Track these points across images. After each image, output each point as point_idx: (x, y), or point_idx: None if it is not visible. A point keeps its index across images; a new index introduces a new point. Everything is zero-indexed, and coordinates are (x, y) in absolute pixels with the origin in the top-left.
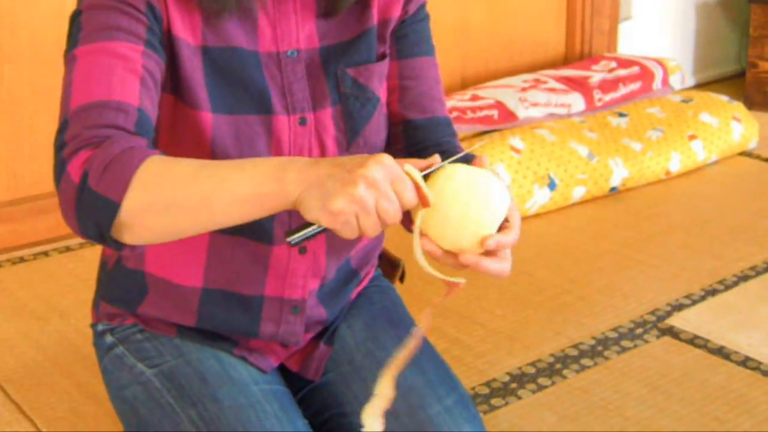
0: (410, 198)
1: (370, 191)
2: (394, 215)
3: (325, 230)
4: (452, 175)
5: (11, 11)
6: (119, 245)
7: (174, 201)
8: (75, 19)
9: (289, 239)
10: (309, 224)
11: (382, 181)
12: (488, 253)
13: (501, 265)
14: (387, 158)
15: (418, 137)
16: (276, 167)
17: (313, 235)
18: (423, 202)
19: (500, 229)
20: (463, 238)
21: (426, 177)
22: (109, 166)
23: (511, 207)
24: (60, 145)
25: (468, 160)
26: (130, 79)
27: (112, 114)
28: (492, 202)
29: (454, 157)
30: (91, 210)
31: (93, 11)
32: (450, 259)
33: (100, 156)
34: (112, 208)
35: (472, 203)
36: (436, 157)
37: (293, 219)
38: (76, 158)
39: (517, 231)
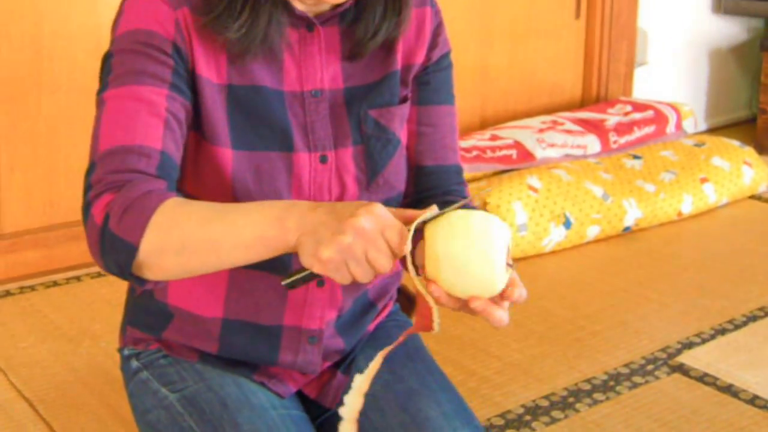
0: (400, 246)
1: (358, 240)
2: (385, 263)
3: (317, 276)
4: (458, 221)
5: (50, 45)
6: (141, 281)
7: (186, 244)
8: (106, 61)
9: (284, 282)
10: (305, 269)
11: (371, 231)
12: (493, 300)
13: (504, 314)
14: (378, 207)
15: (429, 183)
16: (279, 212)
17: (308, 280)
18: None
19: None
20: (473, 285)
21: (426, 223)
22: (127, 210)
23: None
24: (86, 188)
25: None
26: (153, 123)
27: (135, 158)
28: (495, 244)
29: (455, 206)
30: (112, 251)
31: (122, 55)
32: (455, 303)
33: (120, 200)
34: (130, 249)
35: (476, 248)
36: (434, 207)
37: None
38: (99, 201)
39: (521, 286)
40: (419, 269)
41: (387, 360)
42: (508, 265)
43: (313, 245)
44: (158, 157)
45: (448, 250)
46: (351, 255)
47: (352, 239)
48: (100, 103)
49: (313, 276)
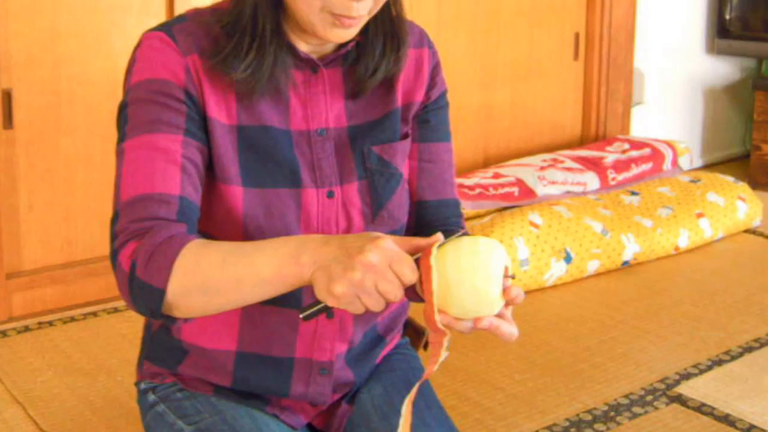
0: (409, 277)
1: (368, 275)
2: (395, 293)
3: (331, 308)
4: (462, 249)
5: (68, 88)
6: (172, 320)
7: (209, 285)
8: (122, 111)
9: (301, 315)
10: (320, 302)
11: (379, 264)
12: (498, 316)
13: (512, 328)
14: (385, 242)
15: (429, 216)
16: (294, 249)
17: (323, 311)
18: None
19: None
20: (481, 304)
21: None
22: (152, 257)
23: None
24: (112, 237)
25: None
26: (170, 170)
27: (155, 206)
28: (497, 265)
29: (456, 235)
30: (142, 296)
31: (137, 105)
32: (463, 325)
33: (144, 247)
34: (158, 293)
35: (481, 270)
36: (439, 235)
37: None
38: (125, 249)
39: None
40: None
41: (388, 391)
42: (508, 278)
43: (326, 281)
44: (177, 203)
45: (459, 275)
46: (362, 289)
47: (362, 275)
48: (120, 153)
49: (328, 308)
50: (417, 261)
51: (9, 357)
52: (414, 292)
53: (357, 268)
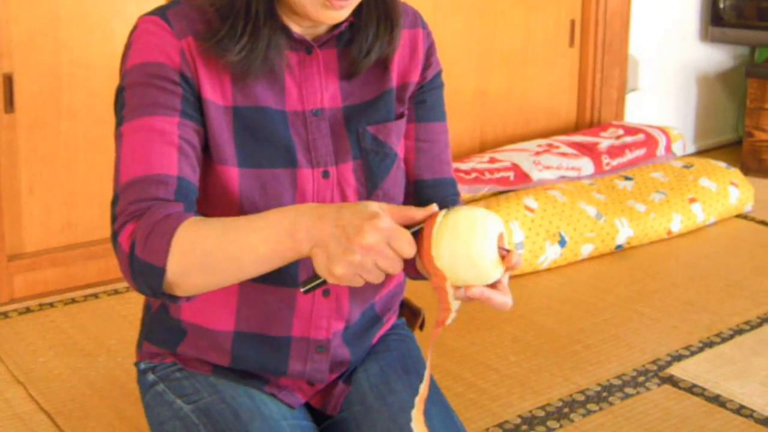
0: (408, 251)
1: (367, 256)
2: (396, 267)
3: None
4: (457, 217)
5: (69, 73)
6: (174, 298)
7: (208, 263)
8: (119, 94)
9: (302, 290)
10: (319, 276)
11: (378, 244)
12: (492, 286)
13: (505, 298)
14: (383, 220)
15: (427, 195)
16: (288, 225)
17: (323, 284)
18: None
19: (502, 258)
20: (473, 272)
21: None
22: (150, 235)
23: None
24: (112, 218)
25: None
26: (168, 151)
27: (153, 187)
28: (492, 234)
29: (454, 207)
30: (142, 275)
31: (133, 88)
32: (458, 294)
33: (142, 227)
34: (158, 272)
35: (477, 239)
36: (434, 206)
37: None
38: (125, 230)
39: (509, 297)
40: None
41: (384, 370)
42: (505, 250)
43: (326, 261)
44: (175, 183)
45: (455, 244)
46: (362, 269)
47: (362, 257)
48: (118, 137)
49: (326, 282)
50: (414, 234)
51: (11, 338)
52: (413, 269)
53: (356, 251)
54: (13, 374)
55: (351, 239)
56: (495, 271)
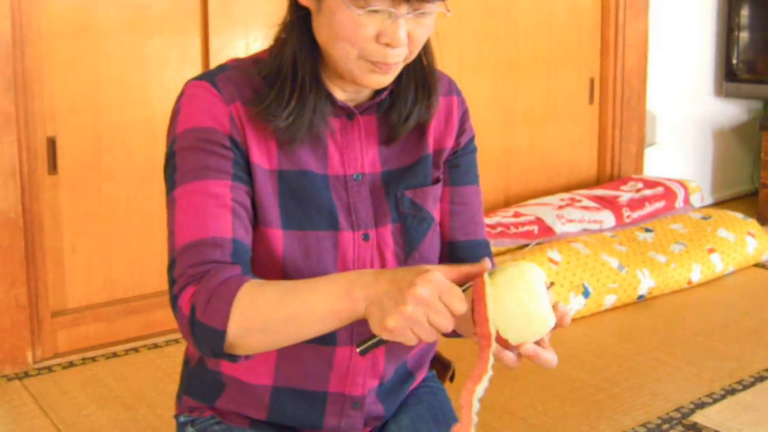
0: (460, 308)
1: (419, 308)
2: (447, 324)
3: (386, 341)
4: (508, 273)
5: (109, 135)
6: (234, 357)
7: (267, 324)
8: (170, 160)
9: (358, 349)
10: (375, 336)
11: (430, 297)
12: (537, 344)
13: (552, 355)
14: (435, 274)
15: (461, 256)
16: (346, 285)
17: (379, 345)
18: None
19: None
20: (529, 324)
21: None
22: (210, 300)
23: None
24: (171, 282)
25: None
26: (222, 214)
27: (210, 250)
28: (543, 284)
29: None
30: (204, 337)
31: (184, 153)
32: (509, 357)
33: (202, 291)
34: (219, 335)
35: (533, 290)
36: (486, 260)
37: (356, 325)
38: (184, 294)
39: (553, 353)
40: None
41: (414, 423)
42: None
43: (380, 315)
44: (231, 245)
45: (512, 298)
46: (414, 322)
47: (414, 308)
48: (171, 201)
49: (382, 341)
50: (465, 291)
51: (54, 392)
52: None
53: (408, 302)
54: (58, 427)
55: (403, 291)
56: (551, 320)
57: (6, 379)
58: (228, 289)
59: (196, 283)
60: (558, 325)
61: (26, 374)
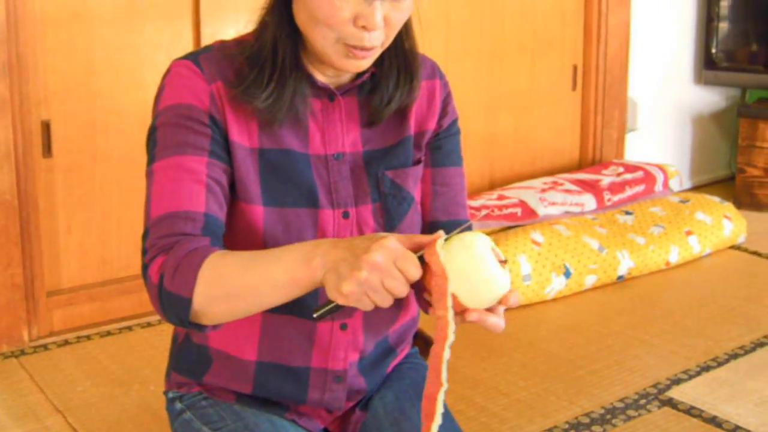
0: (414, 273)
1: (374, 273)
2: (401, 288)
3: (343, 307)
4: (464, 240)
5: (103, 118)
6: (200, 327)
7: (231, 292)
8: (152, 134)
9: (314, 315)
10: (331, 301)
11: (384, 262)
12: (489, 310)
13: (499, 320)
14: (390, 241)
15: None
16: (305, 254)
17: (334, 310)
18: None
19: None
20: (477, 297)
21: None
22: (177, 269)
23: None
24: (143, 251)
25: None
26: (196, 189)
27: (181, 223)
28: (490, 258)
29: (457, 230)
30: (170, 306)
31: (165, 128)
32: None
33: (170, 260)
34: (185, 303)
35: (480, 261)
36: (441, 232)
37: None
38: (154, 263)
39: (502, 320)
40: (425, 291)
41: (398, 398)
42: (502, 261)
43: (336, 281)
44: (203, 219)
45: (462, 263)
46: (369, 287)
47: (368, 273)
48: (150, 174)
49: (338, 307)
50: (420, 258)
51: (50, 369)
52: (426, 302)
53: (363, 267)
54: (53, 403)
55: (359, 257)
56: (499, 287)
57: (2, 357)
58: (194, 259)
59: (165, 253)
60: (504, 302)
61: (22, 352)
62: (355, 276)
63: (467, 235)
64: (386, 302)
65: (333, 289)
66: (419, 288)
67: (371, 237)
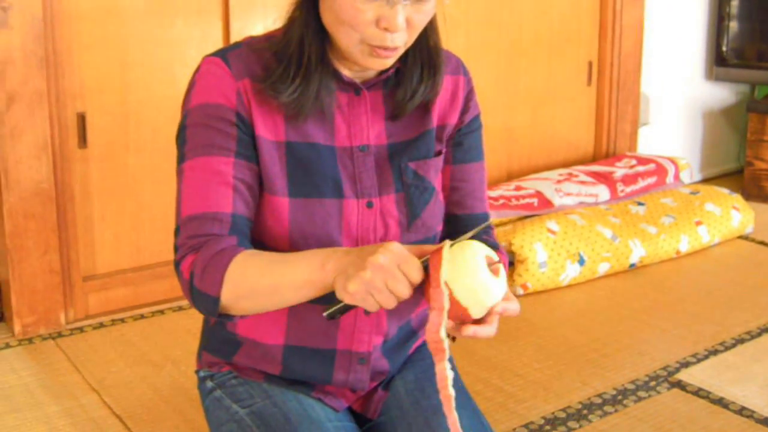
0: (415, 275)
1: (378, 274)
2: (403, 290)
3: (352, 306)
4: (465, 248)
5: (136, 111)
6: (228, 317)
7: (254, 291)
8: (181, 132)
9: (324, 314)
10: (339, 301)
11: (388, 264)
12: (480, 320)
13: (490, 330)
14: (394, 245)
15: (459, 228)
16: (321, 260)
17: (343, 310)
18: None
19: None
20: (475, 294)
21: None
22: (206, 269)
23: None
24: (175, 248)
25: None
26: (223, 191)
27: (210, 224)
28: (479, 257)
29: (466, 235)
30: (200, 301)
31: (194, 128)
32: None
33: (199, 260)
34: (213, 300)
35: (478, 267)
36: (446, 243)
37: None
38: (185, 261)
39: (516, 303)
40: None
41: (419, 378)
42: (495, 262)
43: (343, 281)
44: (230, 220)
45: (464, 266)
46: (372, 287)
47: (373, 274)
48: (179, 173)
49: (347, 307)
50: (423, 263)
51: (86, 350)
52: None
53: (368, 268)
54: (89, 383)
55: (364, 259)
56: (495, 293)
57: (41, 339)
58: (222, 259)
59: (195, 253)
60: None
61: (59, 334)
62: (360, 276)
63: (463, 243)
64: (390, 303)
65: (341, 288)
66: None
67: (380, 244)
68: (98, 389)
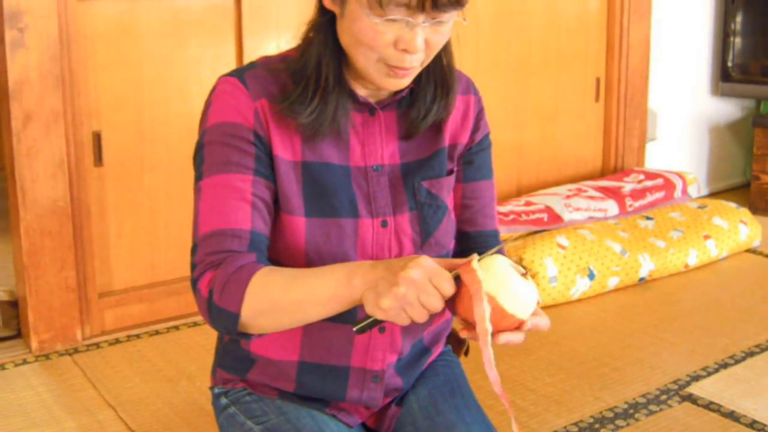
0: (448, 289)
1: (411, 289)
2: (436, 304)
3: (381, 321)
4: (496, 260)
5: (151, 130)
6: (247, 336)
7: (276, 307)
8: (199, 150)
9: (354, 329)
10: (370, 316)
11: (420, 279)
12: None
13: (521, 337)
14: (425, 260)
15: (470, 245)
16: (347, 274)
17: (373, 325)
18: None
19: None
20: (521, 310)
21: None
22: (226, 285)
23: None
24: (192, 266)
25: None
26: (242, 207)
27: (228, 240)
28: (506, 267)
29: (490, 252)
30: (219, 318)
31: (211, 146)
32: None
33: (219, 277)
34: (233, 317)
35: (512, 274)
36: (474, 255)
37: None
38: (203, 279)
39: (546, 317)
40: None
41: (432, 393)
42: (523, 274)
43: (374, 297)
44: (248, 236)
45: (500, 275)
46: (406, 302)
47: (406, 289)
48: (198, 190)
49: (377, 322)
50: (455, 277)
51: (102, 366)
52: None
53: (401, 284)
54: (105, 398)
55: (396, 274)
56: (533, 297)
57: (57, 355)
58: (242, 275)
59: (214, 269)
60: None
61: (76, 350)
62: (394, 291)
63: (490, 256)
64: (422, 317)
65: (372, 304)
66: (452, 307)
67: (408, 257)
68: (114, 405)
